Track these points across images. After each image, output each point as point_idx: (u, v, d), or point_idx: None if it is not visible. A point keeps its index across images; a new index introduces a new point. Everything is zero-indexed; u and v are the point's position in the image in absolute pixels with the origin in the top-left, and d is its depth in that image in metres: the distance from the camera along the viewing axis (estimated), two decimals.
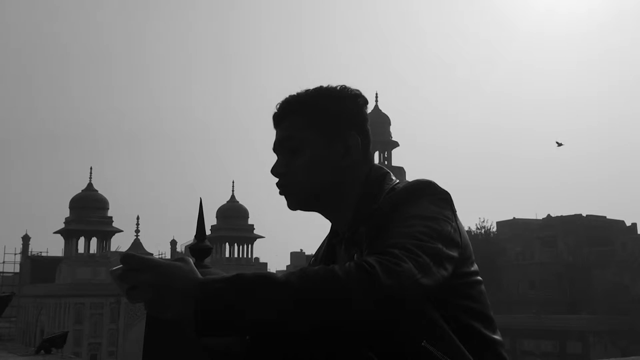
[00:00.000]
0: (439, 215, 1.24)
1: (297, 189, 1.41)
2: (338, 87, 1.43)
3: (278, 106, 1.43)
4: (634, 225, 45.84)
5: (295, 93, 1.43)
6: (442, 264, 1.16)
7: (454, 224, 1.26)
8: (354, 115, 1.42)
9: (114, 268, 1.05)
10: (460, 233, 1.27)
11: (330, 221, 1.47)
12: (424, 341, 1.14)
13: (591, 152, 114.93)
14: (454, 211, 1.29)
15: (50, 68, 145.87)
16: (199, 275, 1.05)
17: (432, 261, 1.13)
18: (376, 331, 1.11)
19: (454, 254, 1.21)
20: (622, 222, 47.50)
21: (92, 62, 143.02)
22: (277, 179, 1.42)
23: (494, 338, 1.29)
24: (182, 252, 47.82)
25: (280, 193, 1.43)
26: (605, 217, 48.22)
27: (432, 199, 1.27)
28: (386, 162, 43.52)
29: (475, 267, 1.32)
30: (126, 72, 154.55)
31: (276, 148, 1.43)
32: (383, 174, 1.42)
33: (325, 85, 1.44)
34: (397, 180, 1.41)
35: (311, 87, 1.43)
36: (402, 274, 1.06)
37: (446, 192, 1.30)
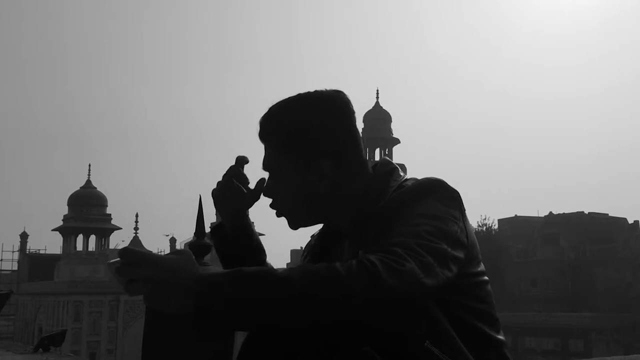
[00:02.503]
0: (446, 214, 1.22)
1: (286, 214, 1.41)
2: (310, 95, 1.37)
3: (259, 126, 1.41)
4: (636, 222, 45.81)
5: (274, 106, 1.40)
6: (447, 265, 1.14)
7: (460, 224, 1.23)
8: (324, 127, 1.35)
9: (112, 261, 1.04)
10: (467, 233, 1.25)
11: (333, 227, 1.45)
12: (427, 342, 1.12)
13: (593, 150, 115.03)
14: (462, 211, 1.27)
15: (48, 66, 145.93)
16: (199, 270, 1.04)
17: (436, 261, 1.11)
18: (378, 330, 1.10)
19: (459, 254, 1.19)
20: (625, 219, 47.58)
21: (90, 60, 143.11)
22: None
23: (498, 338, 1.28)
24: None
25: (277, 215, 1.43)
26: (607, 214, 48.38)
27: (440, 197, 1.25)
28: None
29: (482, 267, 1.30)
30: (124, 70, 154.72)
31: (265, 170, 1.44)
32: (390, 170, 1.39)
33: (303, 92, 1.39)
34: (405, 177, 1.38)
35: (310, 84, 1.43)
36: (405, 274, 1.05)
37: (455, 191, 1.28)
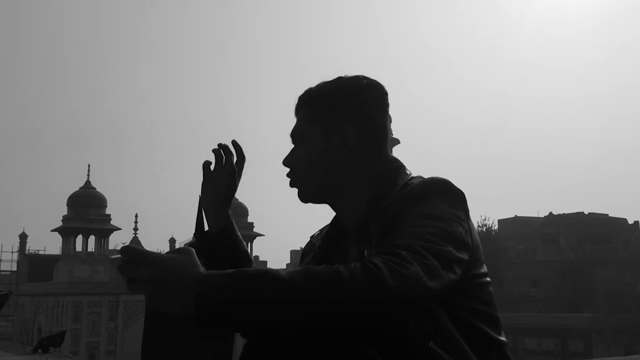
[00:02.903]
0: (451, 215, 1.21)
1: (301, 182, 1.41)
2: (352, 77, 1.42)
3: (297, 99, 1.45)
4: (636, 223, 45.86)
5: (314, 85, 1.44)
6: (451, 267, 1.14)
7: (465, 225, 1.23)
8: (357, 106, 1.39)
9: (116, 256, 0.89)
10: (471, 234, 1.24)
11: (339, 214, 1.44)
12: (431, 342, 1.12)
13: (593, 150, 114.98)
14: (467, 211, 1.26)
15: (47, 66, 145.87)
16: (201, 269, 1.04)
17: (440, 264, 1.11)
18: (381, 332, 1.09)
19: (464, 256, 1.19)
20: (624, 220, 47.59)
21: (89, 60, 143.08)
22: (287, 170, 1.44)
23: (499, 339, 1.28)
24: None
25: (290, 185, 1.43)
26: (607, 215, 48.38)
27: (446, 198, 1.24)
28: None
29: (484, 268, 1.30)
30: (123, 70, 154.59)
31: (291, 139, 1.45)
32: (397, 167, 1.38)
33: (345, 75, 1.43)
34: (412, 175, 1.37)
35: (309, 84, 1.44)
36: (409, 277, 1.05)
37: (460, 191, 1.27)
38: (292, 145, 1.45)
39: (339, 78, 1.42)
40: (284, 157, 1.44)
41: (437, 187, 1.26)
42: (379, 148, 1.41)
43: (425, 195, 1.24)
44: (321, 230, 1.51)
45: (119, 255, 1.04)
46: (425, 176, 1.32)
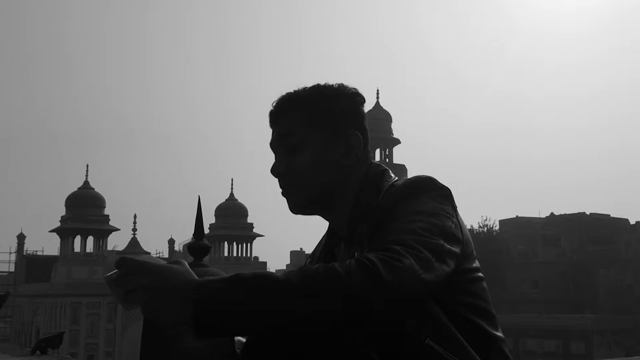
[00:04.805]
0: (439, 210, 1.23)
1: (299, 189, 1.37)
2: (336, 86, 1.42)
3: (275, 103, 1.41)
4: (638, 223, 45.69)
5: (292, 91, 1.41)
6: (444, 260, 1.15)
7: (454, 219, 1.25)
8: (353, 114, 1.41)
9: (109, 274, 1.04)
10: (461, 229, 1.26)
11: (330, 222, 1.45)
12: (428, 339, 1.13)
13: (595, 150, 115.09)
14: (454, 207, 1.28)
15: (46, 65, 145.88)
16: (196, 277, 1.05)
17: (433, 256, 1.13)
18: (379, 329, 1.10)
19: (456, 249, 1.20)
20: (626, 220, 47.56)
21: (88, 60, 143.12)
22: (277, 179, 1.40)
23: (496, 334, 1.28)
24: (180, 251, 47.72)
25: (283, 194, 1.39)
26: (609, 215, 48.38)
27: (433, 194, 1.26)
28: (387, 160, 43.28)
29: (476, 263, 1.30)
30: (123, 70, 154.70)
31: (274, 145, 1.40)
32: (381, 171, 1.40)
33: (322, 83, 1.42)
34: (396, 178, 1.39)
35: (310, 84, 1.43)
36: (404, 270, 1.06)
37: (446, 187, 1.29)
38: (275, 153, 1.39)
39: (319, 85, 1.41)
40: (272, 166, 1.38)
41: (423, 184, 1.28)
42: (368, 154, 1.43)
43: (413, 194, 1.26)
44: (312, 255, 1.50)
45: (115, 271, 1.04)
46: (412, 176, 1.33)
